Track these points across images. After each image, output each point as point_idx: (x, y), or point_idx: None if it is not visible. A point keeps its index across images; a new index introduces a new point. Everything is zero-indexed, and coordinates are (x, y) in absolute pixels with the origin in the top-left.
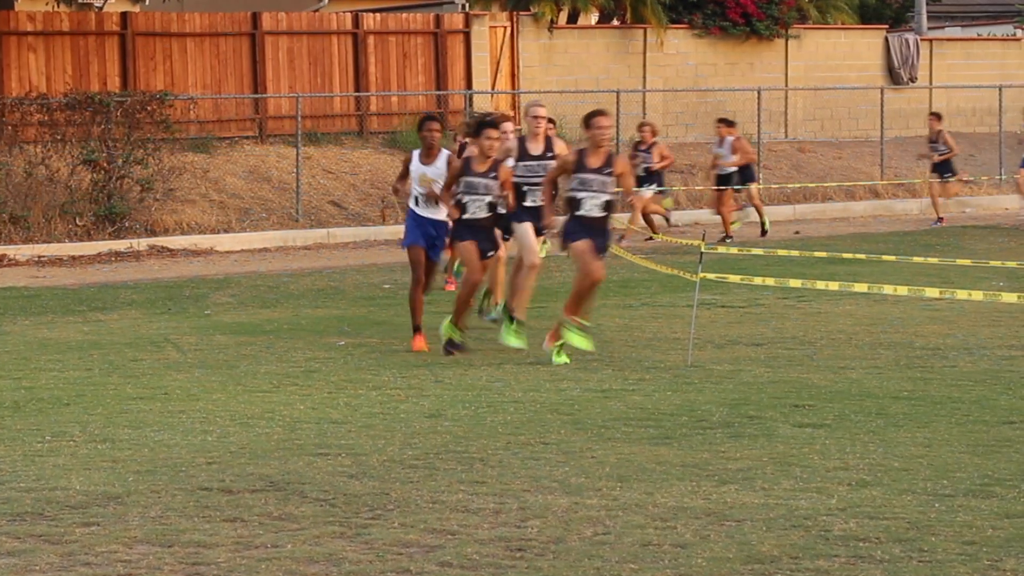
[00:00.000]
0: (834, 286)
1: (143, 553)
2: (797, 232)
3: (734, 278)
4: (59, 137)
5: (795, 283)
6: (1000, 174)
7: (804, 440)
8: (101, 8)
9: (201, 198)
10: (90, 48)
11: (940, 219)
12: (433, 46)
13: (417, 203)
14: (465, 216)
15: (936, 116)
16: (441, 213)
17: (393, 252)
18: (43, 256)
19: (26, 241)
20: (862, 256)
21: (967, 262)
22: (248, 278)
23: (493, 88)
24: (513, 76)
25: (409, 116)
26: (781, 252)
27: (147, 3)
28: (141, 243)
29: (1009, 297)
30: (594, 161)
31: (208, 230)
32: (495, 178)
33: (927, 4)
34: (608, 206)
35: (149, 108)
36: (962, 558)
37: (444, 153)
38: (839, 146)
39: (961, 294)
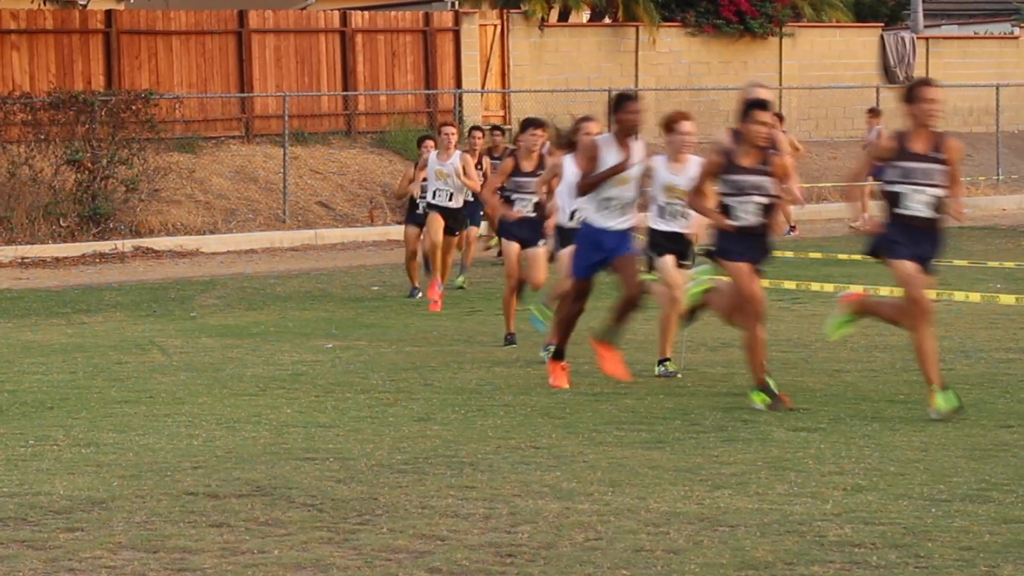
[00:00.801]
0: (829, 288)
1: (128, 559)
2: (791, 233)
3: (728, 279)
4: (43, 137)
5: (790, 284)
6: (997, 174)
7: (799, 444)
8: (85, 6)
9: (187, 199)
10: (74, 46)
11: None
12: (422, 44)
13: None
14: (737, 224)
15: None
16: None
17: (382, 253)
18: (26, 257)
19: (9, 242)
20: (858, 257)
21: (964, 263)
22: (234, 280)
23: (483, 87)
24: (503, 75)
25: (398, 115)
26: (775, 253)
27: (132, 1)
28: (126, 244)
29: (1007, 299)
30: (919, 146)
31: (194, 231)
32: (769, 173)
33: (923, 2)
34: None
35: (134, 107)
36: (959, 564)
37: (640, 143)
38: (834, 146)
39: (958, 296)
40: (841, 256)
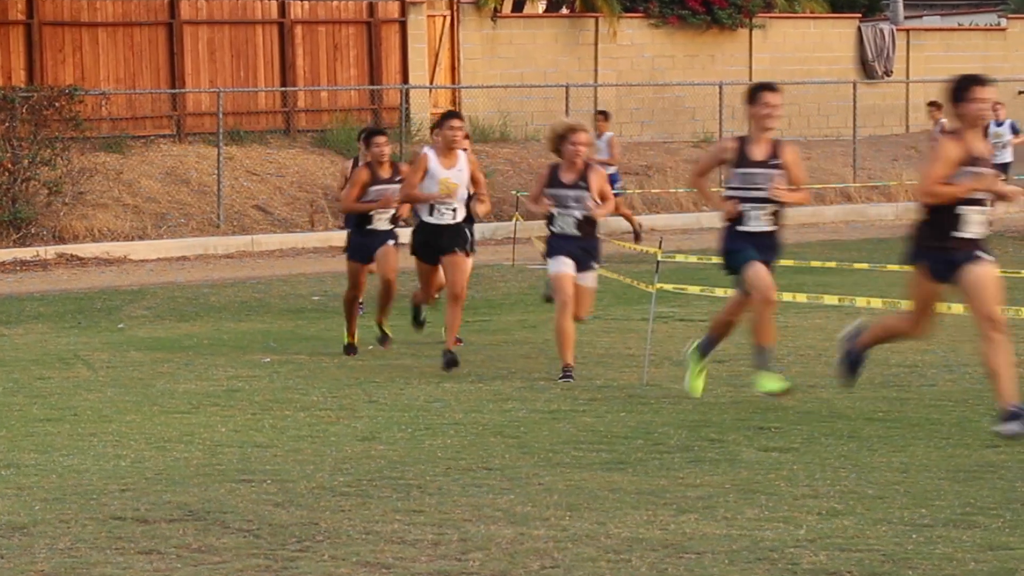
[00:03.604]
0: (802, 298)
1: None
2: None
3: (693, 289)
4: None
5: None
6: None
7: (770, 465)
8: None
9: (114, 202)
10: None
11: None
12: (366, 37)
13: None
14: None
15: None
16: None
17: (323, 261)
18: None
19: None
20: (832, 265)
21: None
22: (165, 289)
23: (432, 83)
24: (453, 69)
25: (340, 113)
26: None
27: None
28: (49, 251)
29: None
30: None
31: (121, 237)
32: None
33: None
34: None
35: (57, 104)
36: None
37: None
38: (808, 145)
39: (940, 306)
40: (814, 263)
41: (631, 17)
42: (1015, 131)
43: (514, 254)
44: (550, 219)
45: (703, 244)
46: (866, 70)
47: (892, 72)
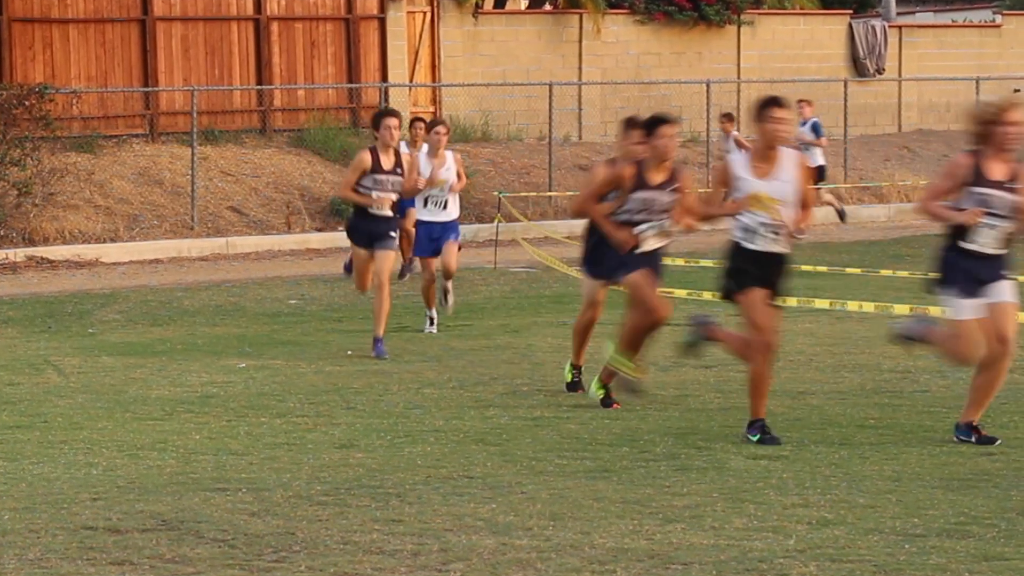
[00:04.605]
0: (792, 302)
1: None
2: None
3: (680, 292)
4: None
5: None
6: None
7: (759, 474)
8: None
9: (85, 203)
10: None
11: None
12: (344, 34)
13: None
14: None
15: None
16: None
17: (300, 264)
18: None
19: None
20: (823, 268)
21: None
22: (137, 293)
23: (411, 80)
24: (434, 67)
25: (317, 112)
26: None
27: None
28: (18, 254)
29: None
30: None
31: (93, 239)
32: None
33: None
34: None
35: (27, 103)
36: None
37: None
38: (797, 145)
39: (933, 311)
40: (805, 267)
41: (616, 13)
42: (816, 132)
43: (496, 257)
44: (960, 233)
45: (690, 247)
46: (857, 68)
47: (884, 70)
